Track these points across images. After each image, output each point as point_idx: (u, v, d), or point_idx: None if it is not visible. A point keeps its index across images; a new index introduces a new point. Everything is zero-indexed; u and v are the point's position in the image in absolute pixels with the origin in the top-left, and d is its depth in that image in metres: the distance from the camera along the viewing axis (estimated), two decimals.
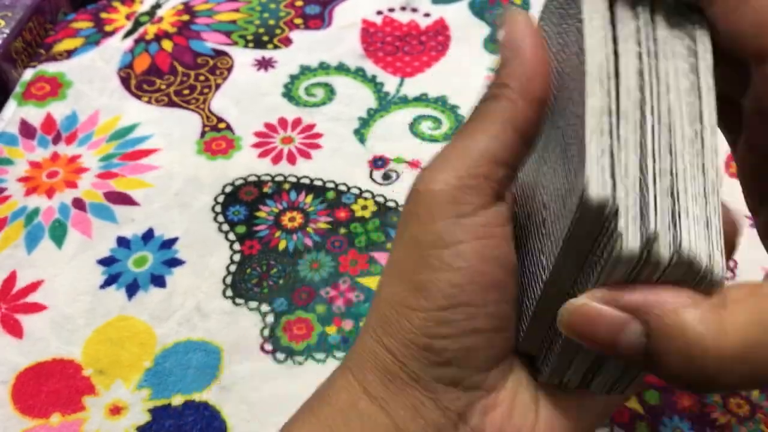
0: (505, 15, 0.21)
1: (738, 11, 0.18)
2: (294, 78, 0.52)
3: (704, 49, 0.20)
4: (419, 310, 0.20)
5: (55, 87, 0.51)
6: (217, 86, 0.51)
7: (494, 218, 0.20)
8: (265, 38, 0.55)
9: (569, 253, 0.19)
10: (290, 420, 0.23)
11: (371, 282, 0.40)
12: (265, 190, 0.44)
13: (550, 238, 0.20)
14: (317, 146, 0.47)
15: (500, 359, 0.22)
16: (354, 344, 0.23)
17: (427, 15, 0.58)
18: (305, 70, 0.53)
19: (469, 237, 0.20)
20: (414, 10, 0.58)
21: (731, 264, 0.40)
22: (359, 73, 0.52)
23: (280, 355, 0.37)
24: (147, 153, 0.47)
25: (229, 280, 0.40)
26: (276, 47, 0.55)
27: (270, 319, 0.38)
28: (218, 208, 0.43)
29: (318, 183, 0.45)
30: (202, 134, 0.48)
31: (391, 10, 0.58)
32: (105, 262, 0.40)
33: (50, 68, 0.53)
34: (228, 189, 0.44)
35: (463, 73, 0.53)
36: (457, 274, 0.20)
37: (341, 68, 0.53)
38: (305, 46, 0.55)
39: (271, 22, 0.57)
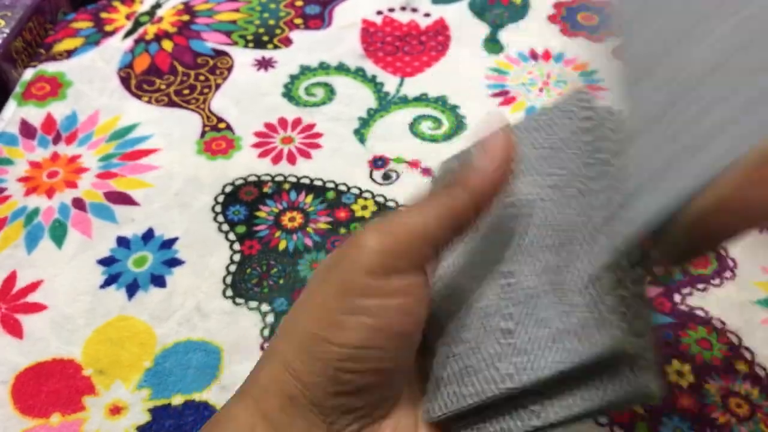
0: (492, 131, 0.25)
1: None
2: (294, 78, 0.52)
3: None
4: (335, 345, 0.22)
5: (55, 87, 0.51)
6: (217, 86, 0.51)
7: (415, 282, 0.24)
8: (265, 38, 0.55)
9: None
10: None
11: None
12: (265, 190, 0.44)
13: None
14: (317, 146, 0.47)
15: (392, 395, 0.25)
16: (256, 370, 0.25)
17: (427, 15, 0.58)
18: (305, 70, 0.53)
19: (393, 293, 0.23)
20: (414, 10, 0.58)
21: (731, 263, 0.40)
22: (359, 73, 0.52)
23: None
24: (147, 153, 0.47)
25: (229, 280, 0.40)
26: (276, 47, 0.55)
27: (270, 318, 0.38)
28: (218, 208, 0.43)
29: (318, 183, 0.45)
30: (202, 134, 0.48)
31: (391, 10, 0.58)
32: (105, 262, 0.40)
33: (50, 68, 0.53)
34: (228, 189, 0.44)
35: (463, 73, 0.53)
36: (377, 321, 0.23)
37: (341, 68, 0.53)
38: (305, 46, 0.55)
39: (271, 22, 0.57)
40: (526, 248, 0.26)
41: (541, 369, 0.23)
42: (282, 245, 0.41)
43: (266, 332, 0.37)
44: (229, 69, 0.53)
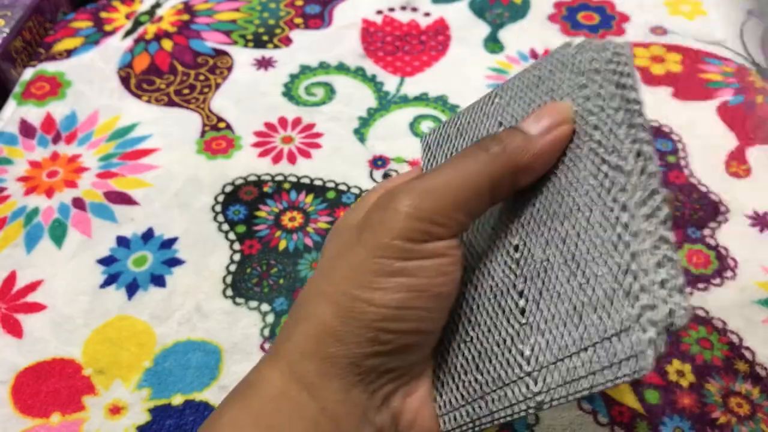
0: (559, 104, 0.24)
1: None
2: (294, 77, 0.52)
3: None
4: (376, 306, 0.22)
5: (55, 86, 0.51)
6: (217, 86, 0.51)
7: (451, 244, 0.23)
8: (265, 38, 0.55)
9: None
10: (218, 410, 0.24)
11: None
12: (265, 189, 0.44)
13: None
14: (317, 146, 0.47)
15: (427, 354, 0.25)
16: (288, 332, 0.24)
17: (427, 14, 0.58)
18: (305, 70, 0.53)
19: (431, 255, 0.23)
20: (414, 9, 0.58)
21: (732, 263, 0.40)
22: (359, 73, 0.52)
23: None
24: (147, 152, 0.47)
25: (229, 279, 0.40)
26: (276, 47, 0.55)
27: (270, 318, 0.38)
28: (218, 208, 0.43)
29: (318, 183, 0.45)
30: (202, 134, 0.48)
31: (391, 9, 0.58)
32: (105, 261, 0.40)
33: (50, 68, 0.52)
34: (228, 188, 0.44)
35: (464, 72, 0.52)
36: (416, 282, 0.22)
37: (341, 68, 0.53)
38: (305, 46, 0.55)
39: (271, 21, 0.57)
40: (532, 218, 0.24)
41: (565, 348, 0.21)
42: (282, 245, 0.41)
43: (266, 332, 0.37)
44: (229, 68, 0.53)
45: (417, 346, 0.24)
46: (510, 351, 0.23)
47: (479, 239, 0.26)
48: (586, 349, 0.21)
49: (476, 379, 0.24)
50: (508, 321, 0.24)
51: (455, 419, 0.25)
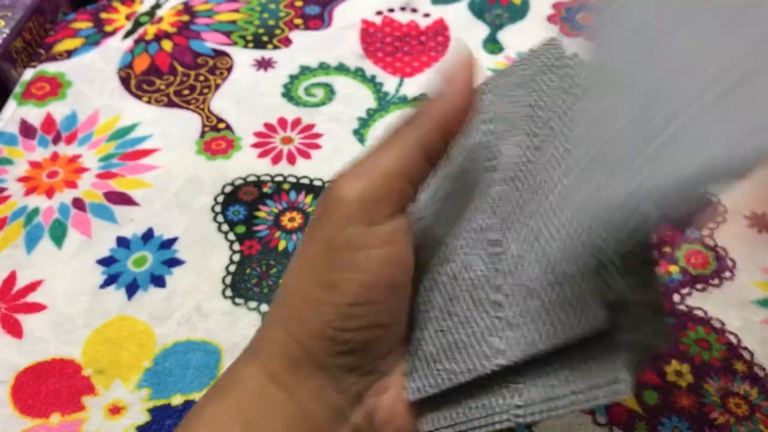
0: (455, 53, 0.25)
1: None
2: (294, 78, 0.52)
3: None
4: (329, 305, 0.22)
5: (55, 87, 0.51)
6: (217, 86, 0.51)
7: (399, 227, 0.23)
8: (265, 38, 0.55)
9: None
10: (195, 408, 0.24)
11: None
12: (265, 190, 0.44)
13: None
14: (317, 146, 0.47)
15: (393, 348, 0.25)
16: (258, 335, 0.25)
17: (426, 15, 0.58)
18: (305, 70, 0.53)
19: (378, 243, 0.22)
20: (414, 10, 0.58)
21: (730, 264, 0.40)
22: (359, 73, 0.52)
23: None
24: (147, 153, 0.47)
25: (228, 280, 0.40)
26: (276, 47, 0.55)
27: None
28: (218, 208, 0.43)
29: (318, 183, 0.45)
30: (202, 134, 0.48)
31: (391, 10, 0.58)
32: (105, 262, 0.41)
33: (50, 68, 0.53)
34: (228, 189, 0.45)
35: None
36: (366, 276, 0.22)
37: (341, 68, 0.53)
38: (305, 47, 0.55)
39: (271, 22, 0.57)
40: (512, 214, 0.25)
41: (534, 344, 0.22)
42: (282, 245, 0.41)
43: None
44: (229, 69, 0.53)
45: (378, 341, 0.24)
46: (481, 344, 0.23)
47: (457, 231, 0.26)
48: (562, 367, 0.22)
49: (446, 368, 0.24)
50: (485, 314, 0.24)
51: (434, 422, 0.25)
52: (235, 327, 0.38)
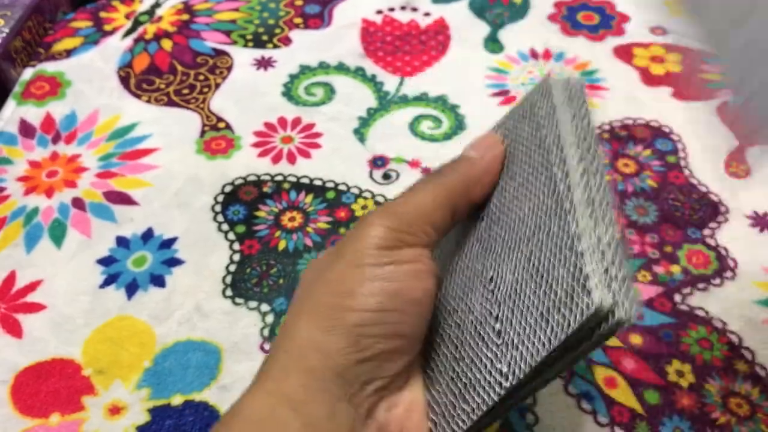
0: (484, 137, 0.30)
1: None
2: (294, 77, 0.52)
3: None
4: (355, 311, 0.23)
5: (55, 86, 0.51)
6: (217, 85, 0.51)
7: (422, 255, 0.25)
8: (265, 38, 0.55)
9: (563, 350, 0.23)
10: None
11: None
12: (265, 189, 0.44)
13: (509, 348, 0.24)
14: (317, 146, 0.47)
15: (406, 365, 0.26)
16: (273, 351, 0.25)
17: (427, 14, 0.58)
18: (305, 70, 0.53)
19: (403, 260, 0.25)
20: (414, 9, 0.58)
21: (731, 263, 0.40)
22: (359, 73, 0.52)
23: None
24: (146, 152, 0.47)
25: (228, 279, 0.40)
26: (276, 47, 0.55)
27: (270, 318, 0.38)
28: (218, 208, 0.43)
29: (318, 183, 0.45)
30: (202, 133, 0.48)
31: (391, 9, 0.58)
32: (104, 261, 0.40)
33: (49, 67, 0.52)
34: (228, 188, 0.44)
35: (463, 72, 0.52)
36: (391, 285, 0.24)
37: (341, 68, 0.53)
38: (305, 46, 0.55)
39: (271, 21, 0.57)
40: (502, 249, 0.26)
41: (534, 355, 0.23)
42: (282, 245, 0.41)
43: (266, 332, 0.37)
44: (229, 68, 0.53)
45: (397, 353, 0.25)
46: (491, 374, 0.24)
47: (459, 282, 0.28)
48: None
49: (464, 410, 0.25)
50: (488, 347, 0.25)
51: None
52: (235, 326, 0.38)
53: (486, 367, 0.25)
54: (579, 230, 0.23)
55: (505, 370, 0.24)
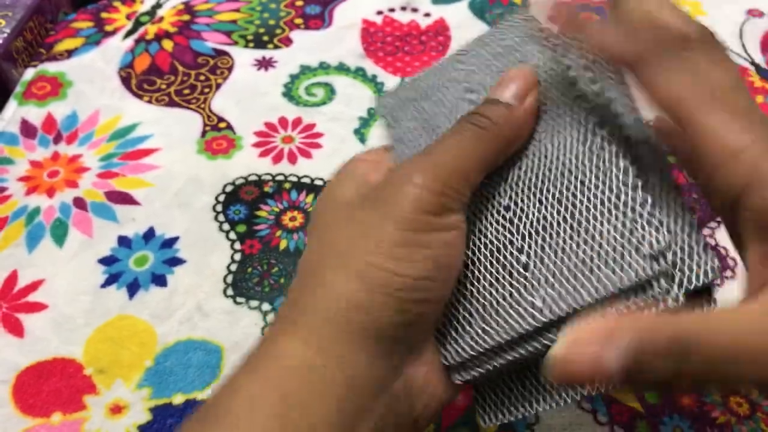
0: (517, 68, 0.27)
1: None
2: (294, 78, 0.52)
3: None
4: (400, 276, 0.23)
5: (56, 86, 0.51)
6: (218, 86, 0.51)
7: (460, 221, 0.25)
8: (266, 38, 0.55)
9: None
10: (230, 382, 0.23)
11: None
12: (266, 189, 0.44)
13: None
14: (318, 146, 0.47)
15: (432, 323, 0.26)
16: (303, 303, 0.24)
17: (427, 15, 0.58)
18: (305, 70, 0.53)
19: (446, 228, 0.24)
20: (414, 10, 0.58)
21: (732, 263, 0.40)
22: (359, 73, 0.52)
23: None
24: (147, 152, 0.47)
25: (230, 279, 0.40)
26: (276, 47, 0.55)
27: (271, 317, 0.38)
28: (219, 208, 0.43)
29: (318, 183, 0.45)
30: (203, 134, 0.48)
31: (392, 10, 0.58)
32: (106, 261, 0.41)
33: (51, 68, 0.53)
34: (228, 188, 0.45)
35: None
36: (435, 253, 0.24)
37: (341, 68, 0.53)
38: (305, 46, 0.55)
39: (272, 22, 0.57)
40: (520, 180, 0.25)
41: (581, 298, 0.22)
42: (283, 245, 0.41)
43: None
44: (230, 69, 0.53)
45: (428, 315, 0.25)
46: (519, 303, 0.24)
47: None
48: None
49: (483, 329, 0.24)
50: (511, 275, 0.24)
51: (467, 350, 0.25)
52: (236, 326, 0.38)
53: (512, 295, 0.24)
54: (633, 186, 0.22)
55: (539, 304, 0.23)
